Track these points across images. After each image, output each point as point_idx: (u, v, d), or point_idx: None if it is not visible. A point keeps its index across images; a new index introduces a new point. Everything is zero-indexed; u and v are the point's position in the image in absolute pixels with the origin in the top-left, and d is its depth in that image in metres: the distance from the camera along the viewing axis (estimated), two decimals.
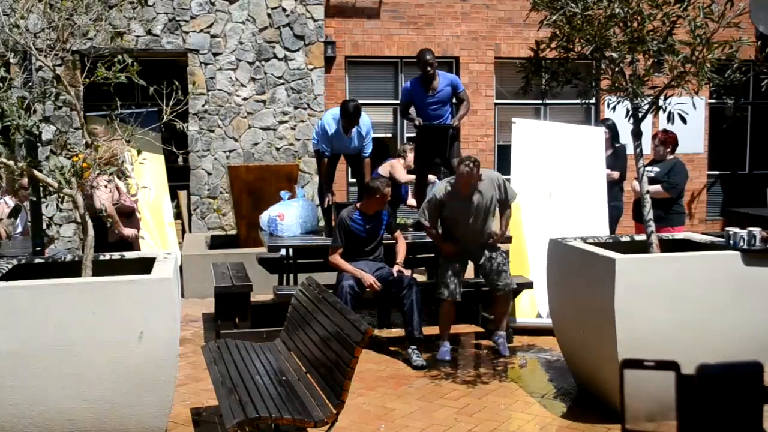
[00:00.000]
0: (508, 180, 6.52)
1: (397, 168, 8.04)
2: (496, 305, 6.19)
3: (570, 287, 5.10)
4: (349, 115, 6.84)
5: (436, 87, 6.87)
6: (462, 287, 6.07)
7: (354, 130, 6.97)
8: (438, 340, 6.18)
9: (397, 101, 10.81)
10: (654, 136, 7.21)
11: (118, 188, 6.03)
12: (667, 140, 7.03)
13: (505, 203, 6.06)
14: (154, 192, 9.09)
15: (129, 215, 6.33)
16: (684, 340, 4.36)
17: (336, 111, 7.01)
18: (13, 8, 4.36)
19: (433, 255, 7.21)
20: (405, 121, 11.03)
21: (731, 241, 4.71)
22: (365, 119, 7.06)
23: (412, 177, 7.84)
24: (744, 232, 4.65)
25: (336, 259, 6.17)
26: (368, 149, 7.12)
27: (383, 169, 8.08)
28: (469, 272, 6.45)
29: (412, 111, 7.06)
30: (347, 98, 7.62)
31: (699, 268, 4.59)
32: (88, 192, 4.50)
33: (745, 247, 4.62)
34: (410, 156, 7.89)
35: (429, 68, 6.77)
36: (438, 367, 5.85)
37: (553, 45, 4.98)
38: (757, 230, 4.67)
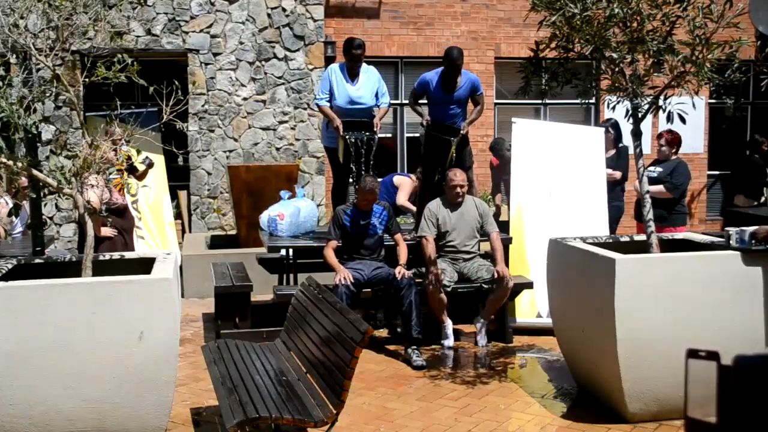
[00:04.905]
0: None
1: (404, 187, 7.98)
2: (488, 297, 6.25)
3: (570, 287, 5.10)
4: (353, 48, 6.56)
5: (458, 85, 6.52)
6: (453, 283, 6.16)
7: (361, 78, 6.69)
8: (440, 335, 6.30)
9: (398, 102, 10.82)
10: (659, 136, 7.20)
11: (108, 187, 6.00)
12: (672, 140, 7.03)
13: (483, 229, 6.37)
14: (154, 192, 9.09)
15: (121, 213, 6.30)
16: (684, 340, 4.35)
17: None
18: (13, 8, 4.36)
19: None
20: (405, 122, 11.06)
21: (733, 240, 4.67)
22: (375, 71, 6.82)
23: (410, 207, 7.74)
24: (747, 230, 4.62)
25: (327, 251, 6.20)
26: (385, 99, 6.81)
27: (396, 179, 8.09)
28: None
29: (425, 110, 6.72)
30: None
31: (699, 268, 4.59)
32: (80, 190, 4.49)
33: (745, 242, 4.58)
34: None
35: (455, 72, 6.41)
36: (438, 367, 5.85)
37: (553, 45, 4.97)
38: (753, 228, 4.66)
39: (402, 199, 7.91)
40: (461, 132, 6.44)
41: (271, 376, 4.20)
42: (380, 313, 7.18)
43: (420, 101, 6.72)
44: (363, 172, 6.47)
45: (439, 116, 6.58)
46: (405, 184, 8.02)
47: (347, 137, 6.48)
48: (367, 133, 6.54)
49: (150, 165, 7.64)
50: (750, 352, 1.15)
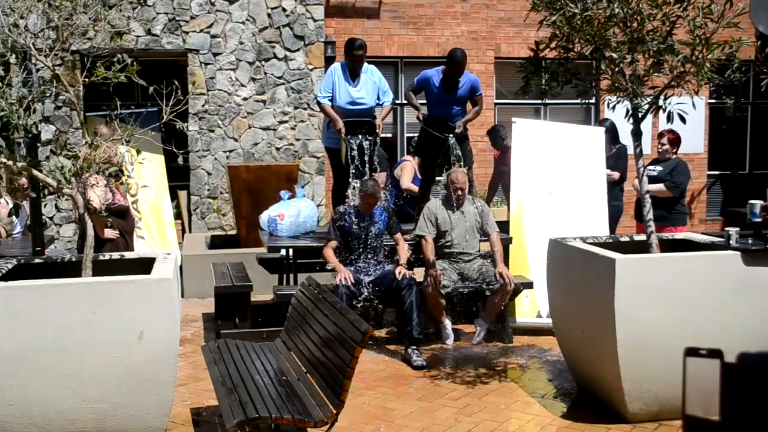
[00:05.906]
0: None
1: (406, 170, 7.92)
2: (488, 299, 6.23)
3: (570, 287, 5.10)
4: (354, 49, 6.51)
5: (459, 85, 6.51)
6: (453, 284, 6.13)
7: (362, 79, 6.66)
8: (439, 335, 6.30)
9: (398, 102, 10.82)
10: (661, 135, 7.21)
11: (111, 188, 6.00)
12: (674, 140, 7.05)
13: (483, 229, 6.32)
14: (154, 192, 9.08)
15: (123, 215, 6.30)
16: (684, 340, 4.34)
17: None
18: (13, 8, 4.36)
19: None
20: (405, 122, 11.06)
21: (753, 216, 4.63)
22: (376, 70, 6.80)
23: (413, 188, 7.71)
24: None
25: (326, 251, 6.19)
26: (388, 96, 6.79)
27: (397, 170, 8.04)
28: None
29: (424, 109, 6.67)
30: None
31: (699, 268, 4.59)
32: (82, 191, 4.49)
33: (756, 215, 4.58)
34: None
35: (457, 73, 6.41)
36: (438, 367, 5.85)
37: (553, 45, 4.97)
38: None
39: (406, 182, 7.85)
40: (456, 130, 6.46)
41: (271, 376, 4.20)
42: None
43: (417, 95, 6.70)
44: (366, 175, 6.47)
45: (437, 113, 6.60)
46: (405, 167, 7.98)
47: (349, 142, 6.47)
48: (369, 137, 6.54)
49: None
50: (753, 350, 1.16)
